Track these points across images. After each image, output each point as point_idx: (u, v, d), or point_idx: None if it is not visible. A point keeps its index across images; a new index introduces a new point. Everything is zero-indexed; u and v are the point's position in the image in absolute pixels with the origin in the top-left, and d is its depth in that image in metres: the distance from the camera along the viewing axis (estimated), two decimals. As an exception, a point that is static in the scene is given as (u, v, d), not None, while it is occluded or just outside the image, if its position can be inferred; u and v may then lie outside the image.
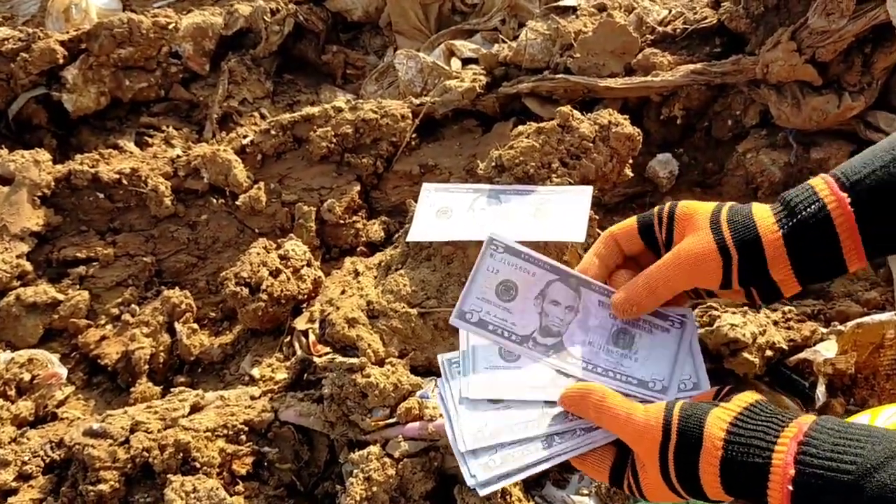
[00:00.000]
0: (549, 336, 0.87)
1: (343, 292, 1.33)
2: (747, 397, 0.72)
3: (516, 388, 0.83)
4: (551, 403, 0.83)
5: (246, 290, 1.40)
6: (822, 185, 0.75)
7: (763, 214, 0.78)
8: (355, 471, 1.09)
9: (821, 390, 1.12)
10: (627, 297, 0.84)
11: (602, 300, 0.90)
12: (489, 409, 0.82)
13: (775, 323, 1.19)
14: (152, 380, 1.42)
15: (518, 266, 0.91)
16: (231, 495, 1.15)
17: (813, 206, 0.75)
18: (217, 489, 1.13)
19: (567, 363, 0.85)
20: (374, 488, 1.07)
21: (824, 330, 1.16)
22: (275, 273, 1.43)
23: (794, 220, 0.75)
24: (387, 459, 1.10)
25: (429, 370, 1.25)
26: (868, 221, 0.74)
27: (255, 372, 1.40)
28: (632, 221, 0.89)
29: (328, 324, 1.25)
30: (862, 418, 1.10)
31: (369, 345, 1.21)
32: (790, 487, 0.65)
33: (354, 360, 1.17)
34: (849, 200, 0.74)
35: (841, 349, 1.16)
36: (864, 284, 1.34)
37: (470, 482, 0.78)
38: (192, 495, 1.12)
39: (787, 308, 1.23)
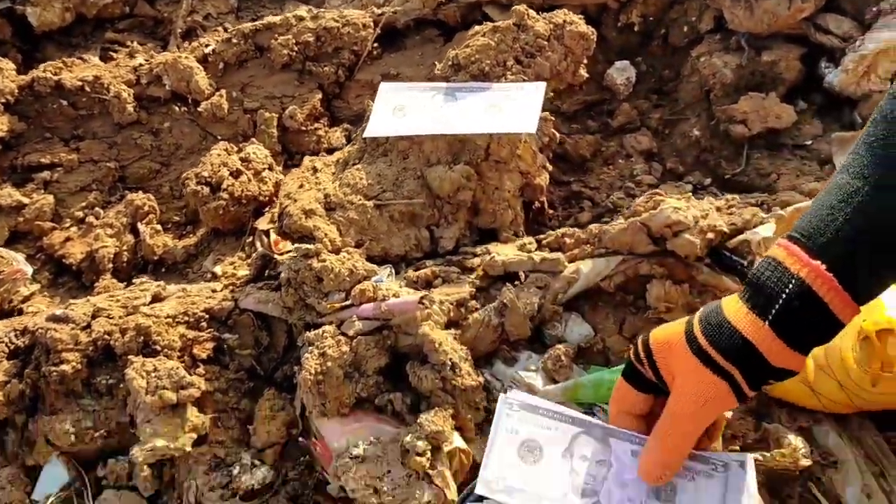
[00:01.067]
0: (584, 497, 0.84)
1: (301, 186, 1.35)
2: None
3: None
4: None
5: (206, 189, 1.43)
6: (791, 259, 0.72)
7: (739, 311, 0.74)
8: (310, 347, 1.13)
9: (757, 269, 1.17)
10: (655, 463, 0.80)
11: (635, 449, 0.85)
12: None
13: (718, 209, 1.22)
14: (116, 278, 1.45)
15: (538, 423, 0.88)
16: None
17: (791, 285, 0.71)
18: (177, 369, 1.17)
19: None
20: (329, 363, 1.11)
21: (765, 215, 1.20)
22: (235, 174, 1.45)
23: (777, 306, 0.71)
24: (341, 337, 1.13)
25: (385, 259, 1.28)
26: (851, 280, 0.70)
27: (218, 269, 1.43)
28: (622, 386, 0.84)
29: (286, 215, 1.28)
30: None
31: (326, 234, 1.25)
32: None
33: (310, 246, 1.20)
34: (824, 267, 0.70)
35: (779, 232, 1.20)
36: (810, 178, 1.38)
37: None
38: (153, 374, 1.16)
39: (730, 196, 1.27)
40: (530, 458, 0.85)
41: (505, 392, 0.91)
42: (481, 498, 0.85)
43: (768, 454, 1.07)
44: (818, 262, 0.70)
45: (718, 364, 0.74)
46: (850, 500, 1.06)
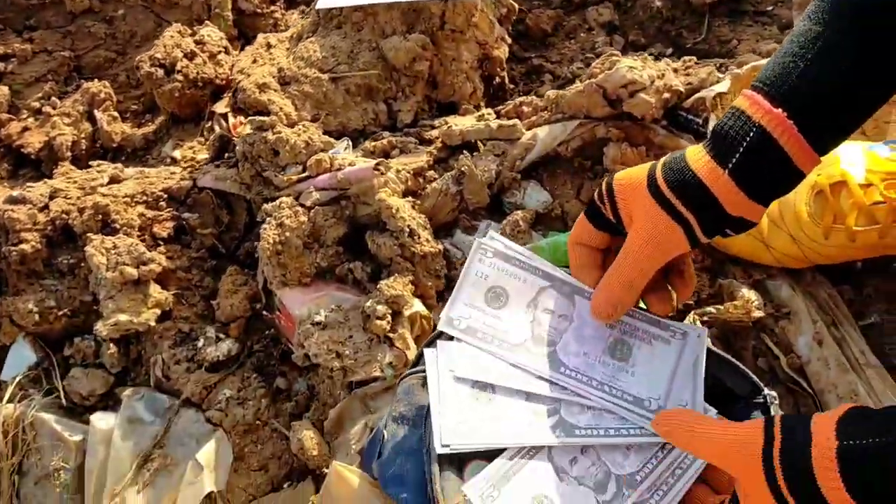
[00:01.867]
0: (541, 346, 0.85)
1: (254, 62, 1.33)
2: (846, 405, 0.66)
3: (493, 432, 0.80)
4: (533, 453, 0.81)
5: (161, 72, 1.40)
6: (753, 108, 0.71)
7: (700, 159, 0.74)
8: (268, 218, 1.13)
9: (712, 125, 1.17)
10: (607, 299, 0.80)
11: None
12: (476, 464, 0.79)
13: (675, 70, 1.22)
14: (75, 166, 1.44)
15: (508, 272, 0.88)
16: (153, 256, 1.19)
17: (752, 133, 0.71)
18: (137, 245, 1.17)
19: (560, 374, 0.83)
20: (287, 233, 1.11)
21: (721, 75, 1.19)
22: (190, 56, 1.43)
23: (737, 155, 0.71)
24: (299, 208, 1.13)
25: (342, 134, 1.27)
26: (812, 127, 0.70)
27: (177, 154, 1.42)
28: (583, 222, 0.84)
29: (239, 90, 1.26)
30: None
31: (281, 108, 1.23)
32: None
33: (265, 118, 1.19)
34: (785, 114, 0.70)
35: (735, 89, 1.19)
36: (769, 42, 1.37)
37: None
38: (113, 251, 1.16)
39: (687, 57, 1.26)
40: (496, 303, 0.87)
41: (483, 235, 0.92)
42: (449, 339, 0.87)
43: (722, 307, 1.09)
44: (780, 110, 0.69)
45: (676, 209, 0.74)
46: (801, 347, 1.09)
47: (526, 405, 0.82)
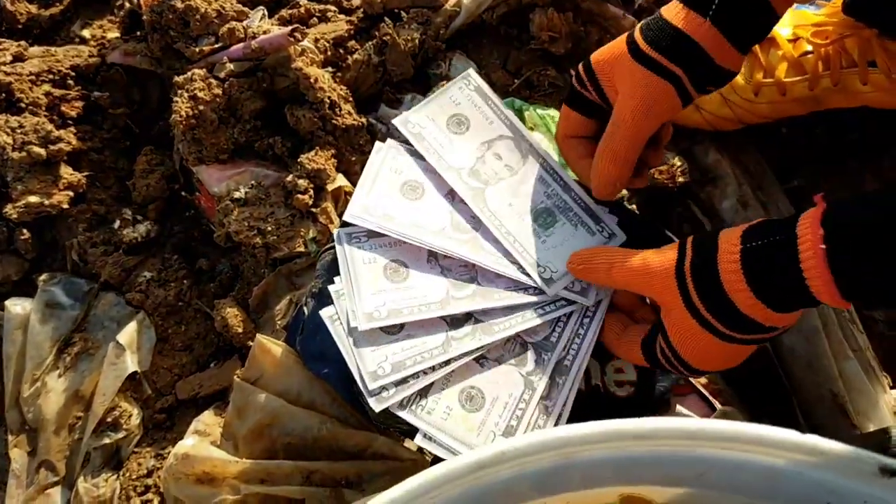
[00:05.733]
0: (476, 180, 0.85)
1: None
2: (757, 220, 0.67)
3: (409, 310, 0.79)
4: (454, 326, 0.80)
5: (63, -57, 1.32)
6: None
7: (679, 13, 0.72)
8: (180, 91, 1.08)
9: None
10: (606, 176, 0.77)
11: (544, 176, 0.87)
12: (387, 341, 0.78)
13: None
14: (-22, 48, 1.36)
15: (479, 107, 0.89)
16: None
17: None
18: (44, 124, 1.11)
19: (478, 208, 0.83)
20: (201, 107, 1.06)
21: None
22: (95, -73, 1.34)
23: (716, 1, 0.70)
24: (212, 80, 1.08)
25: (256, 3, 1.21)
26: None
27: (86, 33, 1.34)
28: (567, 111, 0.81)
29: (145, -43, 1.19)
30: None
31: (191, -23, 1.17)
32: (823, 247, 0.57)
33: (173, -14, 1.12)
34: None
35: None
36: None
37: (372, 414, 0.76)
38: (19, 131, 1.10)
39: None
40: (455, 128, 0.88)
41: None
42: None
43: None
44: None
45: (663, 66, 0.72)
46: (726, 211, 1.09)
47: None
